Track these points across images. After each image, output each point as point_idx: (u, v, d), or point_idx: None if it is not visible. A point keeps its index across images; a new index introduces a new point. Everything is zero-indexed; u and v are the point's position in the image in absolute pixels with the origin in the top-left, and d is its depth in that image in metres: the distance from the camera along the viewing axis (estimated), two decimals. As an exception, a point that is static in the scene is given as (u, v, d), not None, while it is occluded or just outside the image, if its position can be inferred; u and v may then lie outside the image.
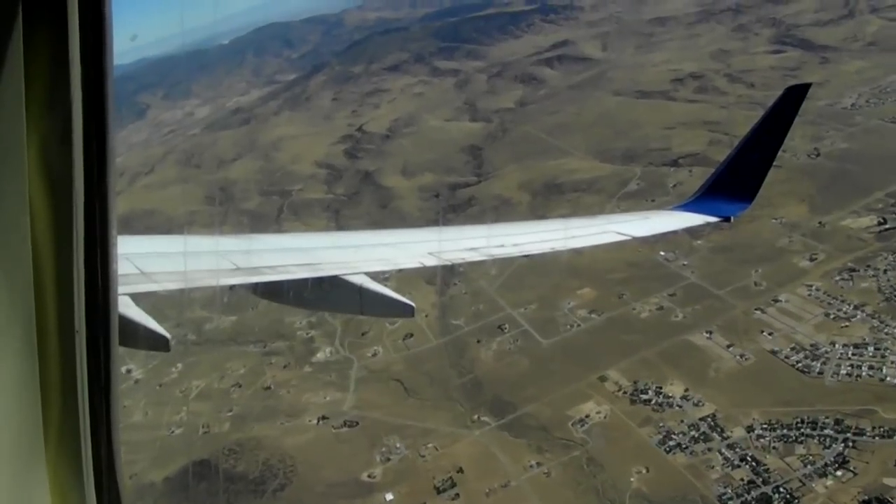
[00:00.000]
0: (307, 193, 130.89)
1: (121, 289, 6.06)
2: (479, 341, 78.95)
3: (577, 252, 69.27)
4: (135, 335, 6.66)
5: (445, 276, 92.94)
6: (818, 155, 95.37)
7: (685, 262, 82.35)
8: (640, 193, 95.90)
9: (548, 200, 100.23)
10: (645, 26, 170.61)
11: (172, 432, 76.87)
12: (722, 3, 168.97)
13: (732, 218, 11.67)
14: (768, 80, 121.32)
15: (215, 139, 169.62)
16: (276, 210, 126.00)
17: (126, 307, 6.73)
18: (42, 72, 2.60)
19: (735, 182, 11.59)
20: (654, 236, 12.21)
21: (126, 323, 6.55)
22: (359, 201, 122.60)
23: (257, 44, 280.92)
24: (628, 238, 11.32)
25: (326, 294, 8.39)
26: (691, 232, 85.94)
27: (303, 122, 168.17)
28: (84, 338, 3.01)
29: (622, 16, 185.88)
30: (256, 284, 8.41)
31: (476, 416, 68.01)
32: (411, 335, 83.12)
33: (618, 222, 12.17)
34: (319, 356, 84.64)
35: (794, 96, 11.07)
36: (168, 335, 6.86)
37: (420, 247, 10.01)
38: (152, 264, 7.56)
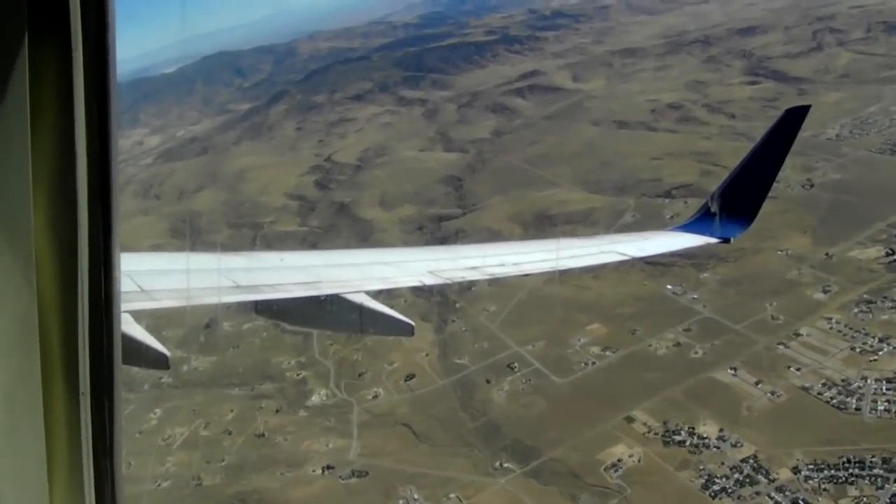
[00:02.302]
0: (280, 226, 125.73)
1: (121, 306, 5.83)
2: (488, 381, 75.16)
3: (581, 287, 66.78)
4: (134, 353, 6.69)
5: (442, 312, 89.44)
6: (812, 186, 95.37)
7: (695, 296, 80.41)
8: (637, 225, 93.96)
9: (541, 233, 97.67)
10: (613, 57, 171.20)
11: (159, 485, 70.96)
12: (689, 34, 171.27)
13: (732, 239, 11.69)
14: (748, 111, 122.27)
15: (173, 169, 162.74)
16: (249, 243, 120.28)
17: (126, 325, 6.73)
18: (46, 86, 2.66)
19: (734, 203, 11.58)
20: (654, 256, 12.16)
21: (125, 340, 6.41)
22: (336, 234, 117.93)
23: (206, 72, 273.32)
24: (629, 258, 11.47)
25: (326, 312, 8.42)
26: (696, 265, 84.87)
27: (266, 152, 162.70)
28: (88, 381, 3.03)
29: (587, 47, 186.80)
30: (257, 302, 8.47)
31: (498, 463, 64.07)
32: (413, 376, 79.05)
33: (618, 243, 12.34)
34: (314, 399, 79.64)
35: (794, 118, 11.14)
36: (167, 353, 7.00)
37: (419, 266, 10.02)
38: (153, 282, 7.61)
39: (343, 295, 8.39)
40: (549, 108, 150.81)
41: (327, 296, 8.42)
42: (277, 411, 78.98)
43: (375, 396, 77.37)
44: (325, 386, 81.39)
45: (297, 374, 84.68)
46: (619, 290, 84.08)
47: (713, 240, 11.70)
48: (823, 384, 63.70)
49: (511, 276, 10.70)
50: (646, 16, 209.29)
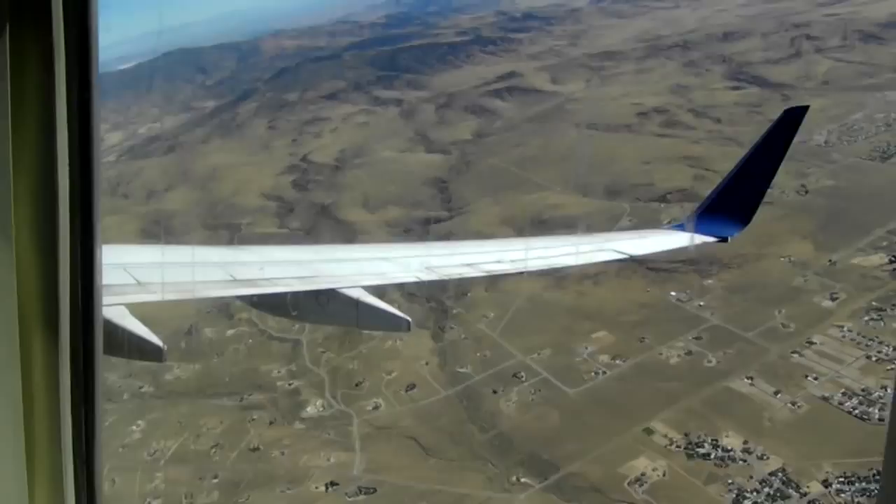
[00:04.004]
0: (258, 227, 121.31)
1: (116, 299, 7.01)
2: (495, 392, 72.70)
3: (582, 293, 64.66)
4: (129, 345, 6.83)
5: (438, 318, 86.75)
6: (807, 192, 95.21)
7: (701, 303, 79.16)
8: (636, 229, 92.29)
9: (536, 237, 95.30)
10: (591, 60, 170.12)
11: (149, 504, 66.91)
12: (666, 39, 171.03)
13: (730, 238, 11.67)
14: (734, 116, 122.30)
15: (140, 167, 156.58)
16: (226, 245, 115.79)
17: (121, 317, 6.90)
18: (28, 79, 2.69)
19: (732, 203, 11.60)
20: (653, 255, 12.16)
21: (120, 332, 6.76)
22: (318, 236, 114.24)
23: (166, 69, 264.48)
24: (626, 256, 11.42)
25: (323, 307, 8.43)
26: (699, 271, 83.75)
27: (238, 150, 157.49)
28: (69, 380, 3.06)
29: (562, 49, 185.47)
30: (254, 296, 8.78)
31: (514, 478, 61.64)
32: (414, 386, 76.21)
33: (615, 240, 12.32)
34: (310, 410, 76.22)
35: (793, 118, 11.10)
36: (162, 345, 7.05)
37: (416, 261, 9.97)
38: (148, 275, 7.73)
39: (340, 290, 8.36)
40: (529, 110, 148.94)
41: (324, 290, 8.40)
42: (271, 423, 75.35)
43: (376, 407, 74.31)
44: (321, 396, 78.05)
45: (289, 384, 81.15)
46: (622, 296, 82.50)
47: (711, 239, 11.61)
48: (843, 394, 62.87)
49: (508, 272, 10.50)
50: (617, 19, 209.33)
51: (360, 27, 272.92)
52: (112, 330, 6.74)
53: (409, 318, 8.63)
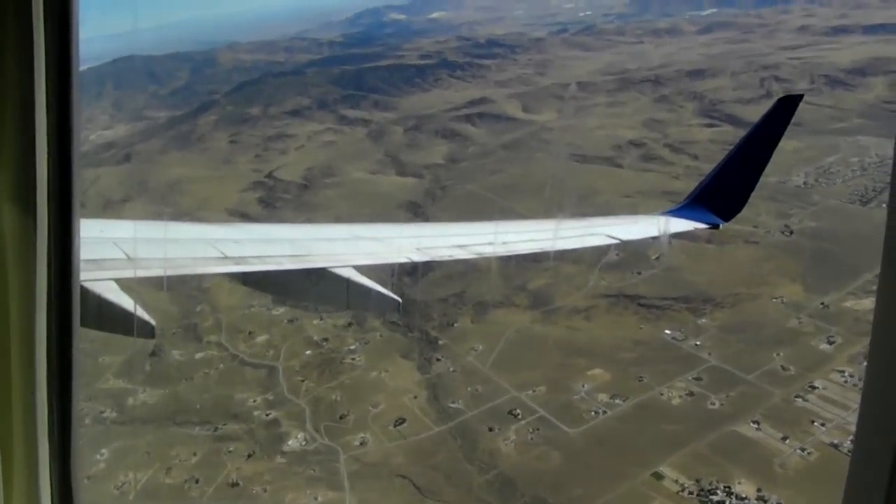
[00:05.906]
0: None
1: (106, 273, 6.87)
2: (491, 429, 69.60)
3: (573, 328, 62.40)
4: (118, 321, 6.67)
5: (424, 349, 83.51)
6: (791, 233, 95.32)
7: (697, 343, 77.87)
8: (624, 264, 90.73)
9: (523, 269, 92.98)
10: (562, 90, 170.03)
11: (119, 544, 61.70)
12: (636, 73, 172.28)
13: (721, 225, 11.59)
14: (711, 153, 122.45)
15: (96, 175, 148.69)
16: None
17: (111, 292, 6.73)
18: (7, 67, 2.68)
19: (724, 191, 11.50)
20: (643, 240, 12.07)
21: (110, 308, 6.60)
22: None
23: (116, 75, 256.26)
24: (618, 241, 11.36)
25: (313, 286, 8.44)
26: (692, 309, 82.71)
27: (198, 163, 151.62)
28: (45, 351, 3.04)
29: (531, 78, 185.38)
30: (244, 274, 8.51)
31: (521, 523, 58.64)
32: (403, 420, 72.55)
33: (606, 225, 12.18)
34: (291, 443, 71.72)
35: (787, 107, 10.91)
36: (153, 321, 6.97)
37: (408, 242, 10.06)
38: (139, 250, 7.63)
39: (331, 269, 8.26)
40: (502, 137, 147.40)
41: (314, 269, 8.30)
42: (249, 456, 70.54)
43: (363, 443, 70.31)
44: (302, 429, 73.66)
45: (267, 414, 76.50)
46: (615, 333, 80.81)
47: (702, 225, 11.55)
48: (853, 441, 61.68)
49: (499, 255, 10.56)
50: (581, 51, 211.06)
51: (319, 45, 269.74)
52: (101, 304, 6.53)
53: (398, 299, 8.53)
